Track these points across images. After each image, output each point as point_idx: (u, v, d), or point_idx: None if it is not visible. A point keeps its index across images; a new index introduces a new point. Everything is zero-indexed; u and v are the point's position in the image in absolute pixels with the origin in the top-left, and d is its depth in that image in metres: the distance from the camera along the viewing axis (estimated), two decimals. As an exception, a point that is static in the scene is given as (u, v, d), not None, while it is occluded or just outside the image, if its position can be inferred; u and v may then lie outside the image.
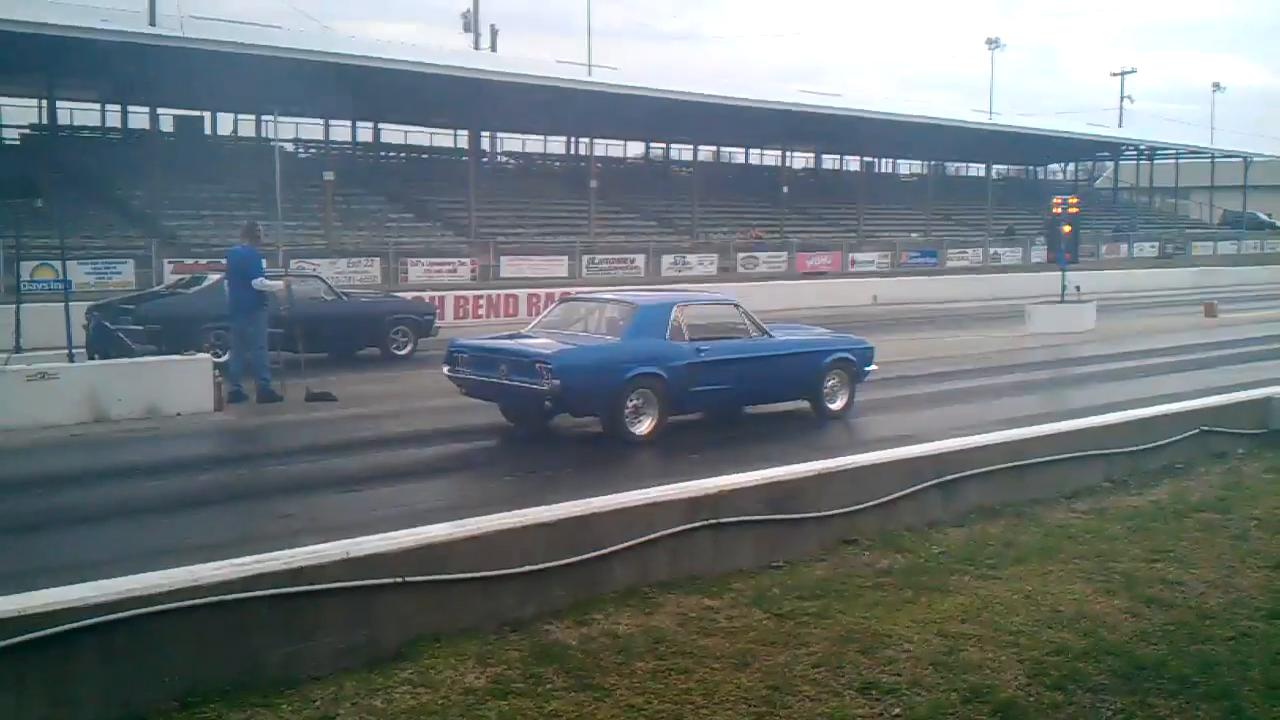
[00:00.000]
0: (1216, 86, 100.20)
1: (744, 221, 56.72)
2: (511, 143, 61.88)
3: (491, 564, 7.14)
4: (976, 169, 77.22)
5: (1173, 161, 78.06)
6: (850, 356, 15.13)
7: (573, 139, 60.49)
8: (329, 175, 41.20)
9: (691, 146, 61.94)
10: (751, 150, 70.25)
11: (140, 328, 17.88)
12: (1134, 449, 11.50)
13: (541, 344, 13.04)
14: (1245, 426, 12.89)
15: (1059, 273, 28.76)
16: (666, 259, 45.61)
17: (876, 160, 74.05)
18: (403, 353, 21.62)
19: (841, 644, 6.91)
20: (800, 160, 71.90)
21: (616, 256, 44.71)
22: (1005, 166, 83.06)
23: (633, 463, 12.32)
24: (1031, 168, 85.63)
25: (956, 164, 79.42)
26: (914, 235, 60.46)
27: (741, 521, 8.42)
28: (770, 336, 14.46)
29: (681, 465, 11.51)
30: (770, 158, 69.37)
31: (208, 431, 14.32)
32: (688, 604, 7.56)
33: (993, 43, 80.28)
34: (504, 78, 42.33)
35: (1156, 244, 69.24)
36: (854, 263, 50.89)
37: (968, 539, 9.14)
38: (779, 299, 35.85)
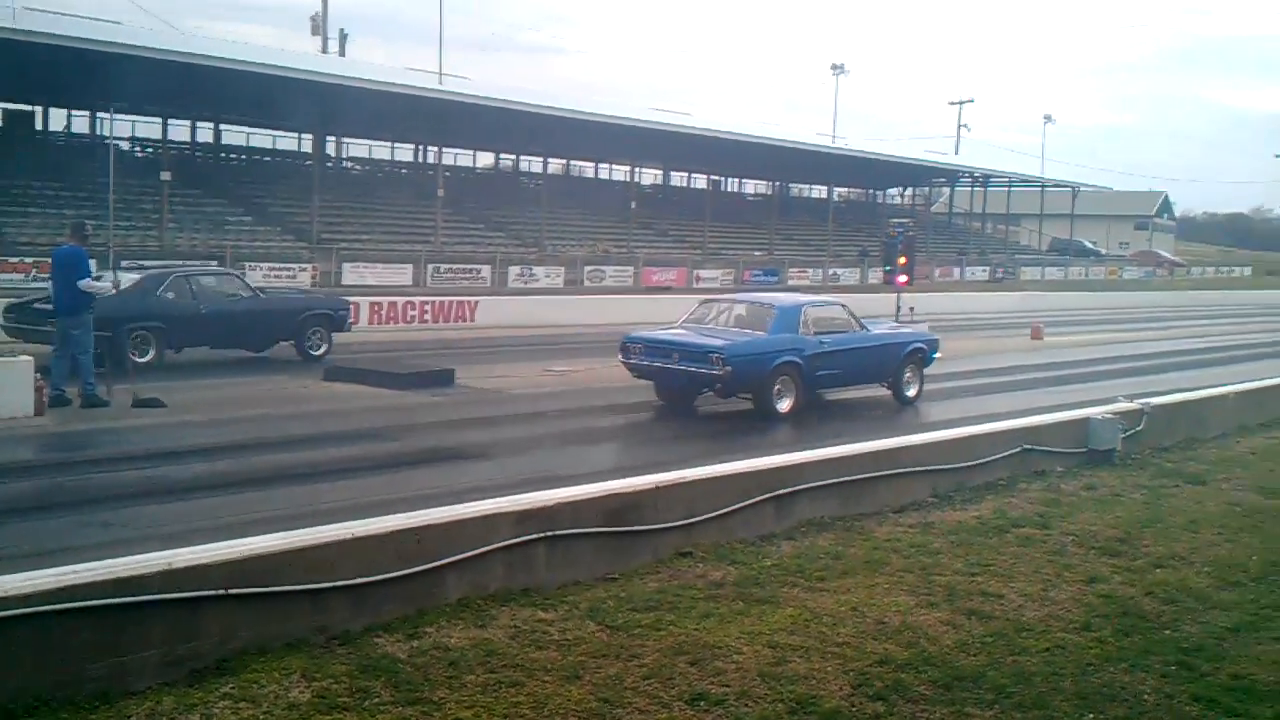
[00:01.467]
0: (1048, 119, 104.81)
1: (592, 235, 56.85)
2: (358, 148, 60.85)
3: (320, 576, 7.00)
4: (819, 190, 78.96)
5: (1005, 189, 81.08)
6: (923, 346, 18.58)
7: (421, 147, 59.81)
8: (166, 175, 39.87)
9: (541, 159, 61.86)
10: (601, 164, 70.56)
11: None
12: (959, 466, 11.88)
13: (707, 337, 16.30)
14: (1065, 446, 13.43)
15: (894, 294, 29.59)
16: (513, 270, 45.43)
17: (723, 179, 75.10)
18: (318, 352, 21.54)
19: (673, 656, 6.97)
20: (649, 176, 72.48)
21: (462, 266, 44.33)
22: (847, 189, 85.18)
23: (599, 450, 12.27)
24: (872, 191, 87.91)
25: (800, 185, 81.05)
26: (757, 254, 61.41)
27: (578, 534, 8.43)
28: (868, 330, 17.87)
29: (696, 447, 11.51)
30: (620, 173, 69.75)
31: (26, 437, 13.70)
32: (522, 616, 7.53)
33: (837, 68, 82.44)
34: (350, 82, 41.56)
35: (988, 268, 71.76)
36: (699, 279, 51.44)
37: (798, 552, 9.32)
38: (624, 314, 36.07)
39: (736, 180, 77.45)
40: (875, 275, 53.57)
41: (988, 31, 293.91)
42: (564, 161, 68.55)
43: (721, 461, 10.66)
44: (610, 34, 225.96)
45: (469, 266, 44.67)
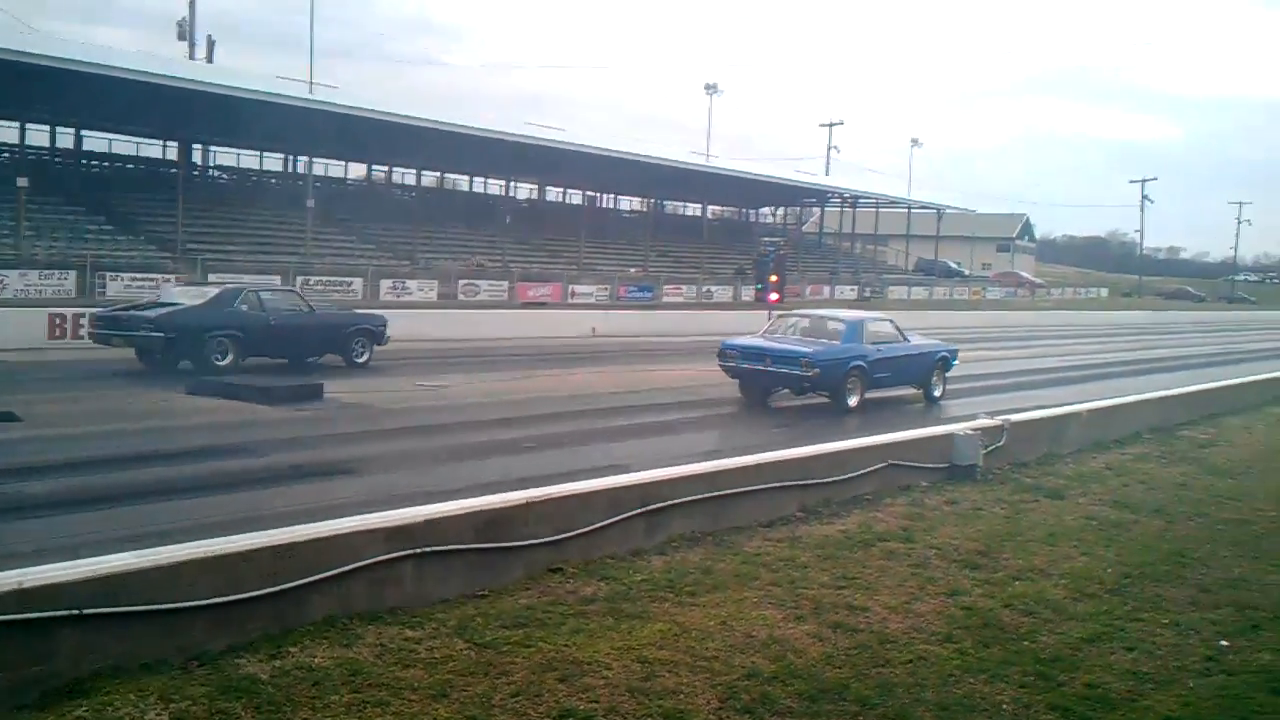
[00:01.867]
0: (915, 142, 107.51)
1: (466, 249, 56.51)
2: (226, 157, 59.52)
3: (178, 595, 6.79)
4: (694, 208, 79.74)
5: (873, 210, 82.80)
6: (948, 355, 22.64)
7: (291, 156, 58.78)
8: (23, 181, 38.53)
9: (415, 171, 61.29)
10: (476, 178, 70.18)
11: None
12: (827, 481, 12.05)
13: (796, 346, 19.99)
14: (929, 461, 13.72)
15: (766, 311, 30.00)
16: (385, 283, 44.89)
17: (599, 195, 75.33)
18: (361, 360, 24.16)
19: (542, 672, 6.93)
20: (524, 190, 72.36)
21: (333, 279, 43.64)
22: (721, 207, 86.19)
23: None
24: (745, 209, 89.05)
25: (675, 202, 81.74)
26: (632, 270, 61.72)
27: (445, 551, 8.32)
28: (909, 341, 21.83)
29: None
30: (495, 186, 69.53)
31: None
32: (388, 635, 7.41)
33: (711, 88, 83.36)
34: (216, 89, 40.65)
35: (856, 287, 73.17)
36: (574, 294, 51.48)
37: (669, 567, 9.34)
38: (499, 328, 35.93)
39: (612, 197, 77.76)
40: (749, 293, 54.26)
41: (859, 56, 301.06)
42: (438, 174, 68.01)
43: (592, 477, 10.64)
44: (485, 47, 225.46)
45: (340, 279, 44.01)
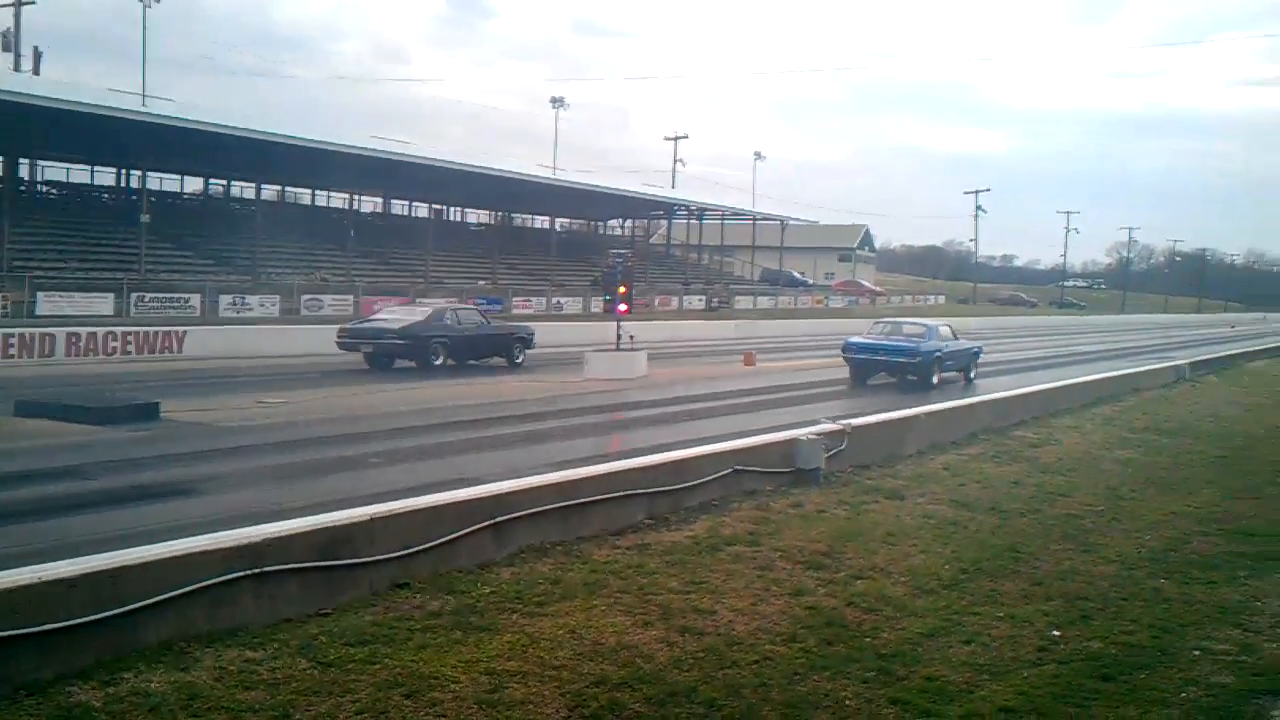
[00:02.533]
0: (758, 155, 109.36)
1: (309, 263, 55.40)
2: (55, 171, 57.18)
3: (3, 624, 6.51)
4: (543, 221, 79.66)
5: (719, 221, 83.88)
6: (979, 351, 31.04)
7: (124, 170, 56.82)
8: None
9: (254, 184, 59.88)
10: (319, 191, 68.85)
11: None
12: (675, 488, 12.16)
13: (902, 343, 27.80)
14: (774, 466, 13.95)
15: (614, 322, 30.13)
16: (225, 299, 43.68)
17: (446, 208, 74.68)
18: (519, 360, 30.69)
19: (388, 689, 6.83)
20: (369, 204, 71.26)
21: (169, 295, 42.31)
22: (570, 220, 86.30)
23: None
24: (594, 222, 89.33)
25: (524, 215, 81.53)
26: (481, 283, 61.35)
27: (286, 570, 8.14)
28: (959, 340, 29.76)
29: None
30: (338, 199, 68.30)
31: None
32: (228, 657, 7.22)
33: (557, 102, 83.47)
34: (43, 101, 39.03)
35: (704, 297, 74.03)
36: (421, 307, 50.81)
37: (518, 578, 9.31)
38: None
39: (460, 210, 77.17)
40: (599, 304, 54.38)
41: (703, 69, 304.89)
42: (279, 187, 66.53)
43: (439, 491, 10.52)
44: (329, 58, 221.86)
45: (177, 295, 42.69)
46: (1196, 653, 8.58)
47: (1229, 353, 43.54)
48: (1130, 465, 17.40)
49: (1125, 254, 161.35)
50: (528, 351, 31.41)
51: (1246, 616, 9.62)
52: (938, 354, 27.52)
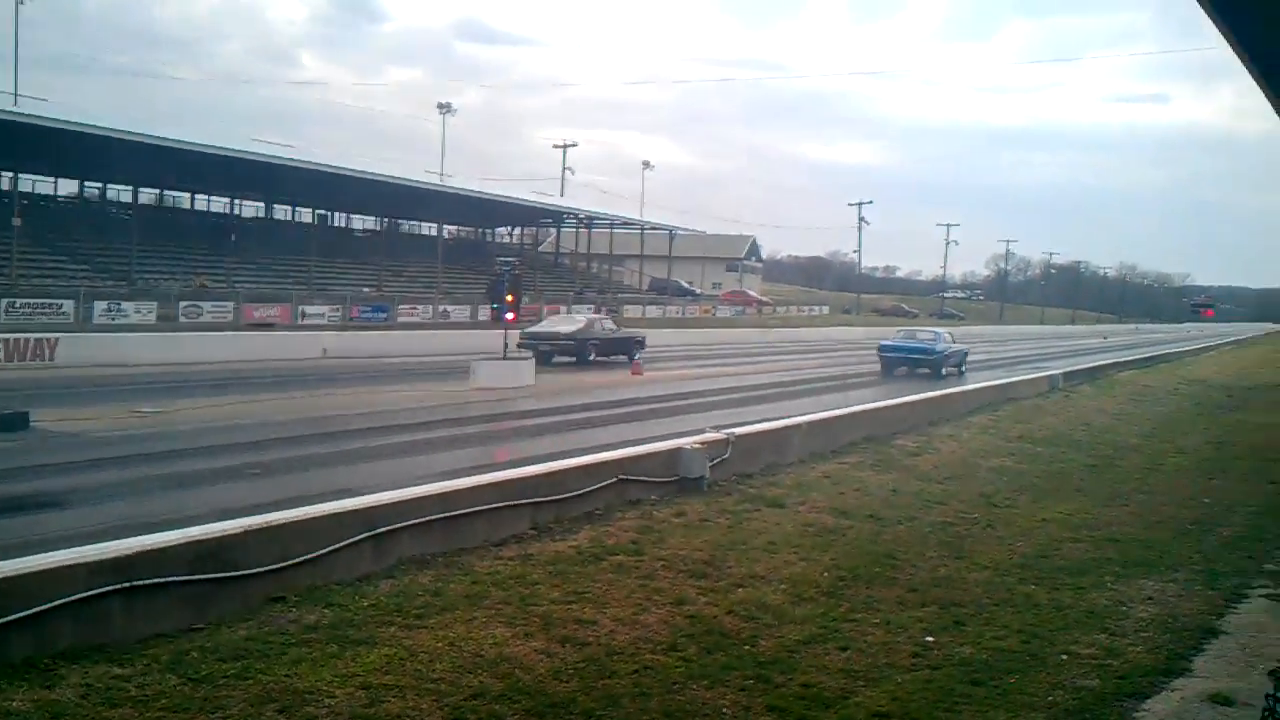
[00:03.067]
0: (646, 164, 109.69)
1: (188, 269, 54.17)
2: (-82, 173, 55.12)
3: None
4: (430, 227, 78.93)
5: (608, 230, 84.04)
6: (967, 350, 40.70)
7: (-7, 171, 54.96)
8: None
9: (131, 188, 58.36)
10: (198, 195, 67.38)
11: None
12: (559, 497, 12.14)
13: (921, 343, 38.90)
14: (659, 475, 14.01)
15: (502, 330, 30.00)
16: (99, 305, 42.42)
17: (331, 213, 73.64)
18: (635, 357, 36.92)
19: (260, 705, 6.71)
20: (250, 209, 69.94)
21: (40, 301, 40.97)
22: (458, 227, 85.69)
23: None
24: (482, 229, 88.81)
25: (411, 221, 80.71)
26: (366, 290, 60.58)
27: (157, 584, 7.94)
28: (955, 344, 39.62)
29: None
30: (219, 204, 66.92)
31: None
32: (95, 674, 7.02)
33: (444, 107, 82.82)
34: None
35: (592, 306, 73.99)
36: (304, 315, 50.03)
37: (397, 590, 9.21)
38: (224, 350, 34.57)
39: (345, 215, 76.14)
40: (487, 312, 54.05)
41: (593, 77, 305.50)
42: (157, 191, 64.94)
43: (317, 502, 10.35)
44: (213, 59, 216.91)
45: (49, 301, 41.37)
46: (1064, 657, 8.84)
47: (1100, 363, 44.86)
48: (1005, 473, 17.84)
49: (1003, 266, 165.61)
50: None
51: (1113, 621, 9.93)
52: (945, 353, 38.23)
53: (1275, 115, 9.90)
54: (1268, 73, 8.49)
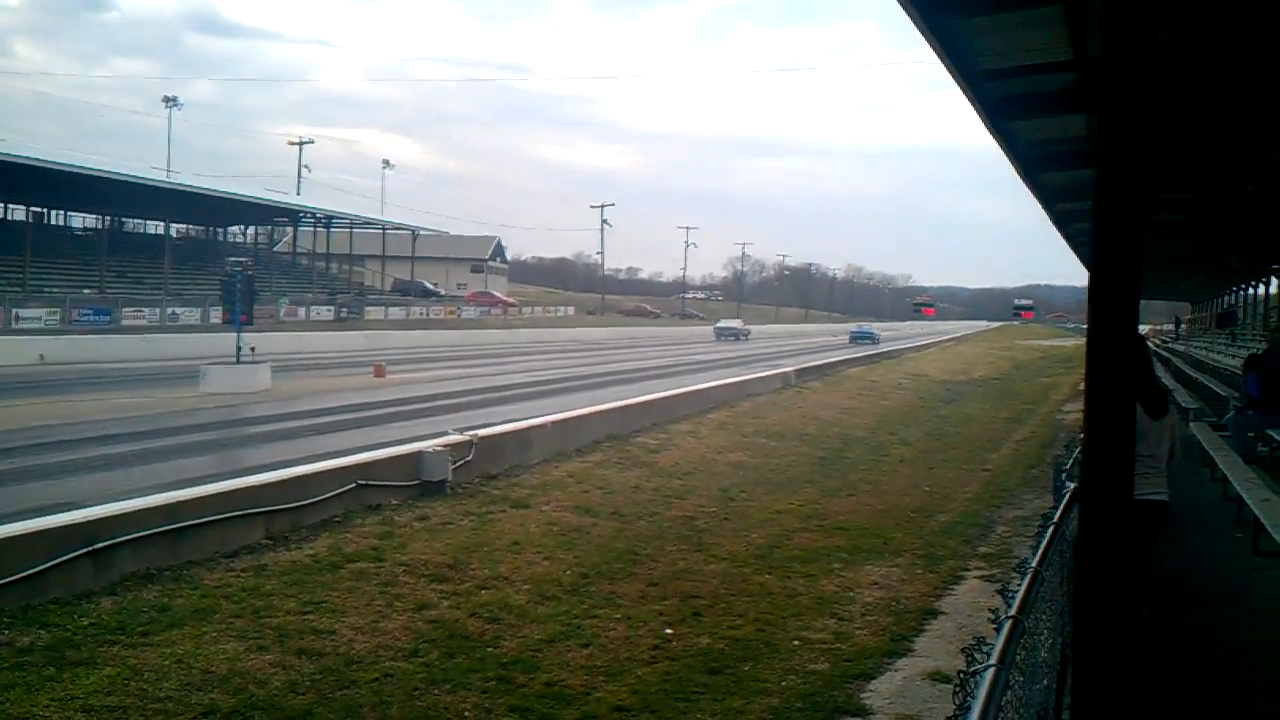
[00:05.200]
0: (387, 163, 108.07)
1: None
2: None
3: None
4: (158, 226, 75.25)
5: (348, 230, 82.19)
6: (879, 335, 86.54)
7: None
8: None
9: None
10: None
11: None
12: (294, 505, 11.78)
13: (866, 332, 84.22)
14: (399, 479, 13.79)
15: (235, 334, 28.91)
16: None
17: (46, 211, 69.24)
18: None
19: (-35, 737, 6.26)
20: (-46, 205, 65.04)
21: None
22: (187, 226, 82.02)
23: None
24: (214, 229, 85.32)
25: (136, 220, 76.74)
26: (87, 292, 57.26)
27: None
28: (880, 332, 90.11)
29: None
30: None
31: None
32: None
33: (171, 101, 79.31)
34: None
35: (333, 307, 72.26)
36: (18, 319, 46.88)
37: (120, 607, 8.76)
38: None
39: (62, 213, 71.72)
40: (219, 315, 51.98)
41: (334, 73, 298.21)
42: None
43: (30, 518, 9.71)
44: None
45: None
46: (796, 643, 9.19)
47: (831, 360, 46.89)
48: (742, 468, 18.42)
49: (740, 268, 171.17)
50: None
51: (841, 606, 10.40)
52: (878, 336, 77.10)
53: (984, 127, 10.56)
54: (973, 83, 9.04)
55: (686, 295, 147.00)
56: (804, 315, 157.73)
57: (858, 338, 78.64)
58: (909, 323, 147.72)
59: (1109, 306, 4.58)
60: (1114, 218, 4.57)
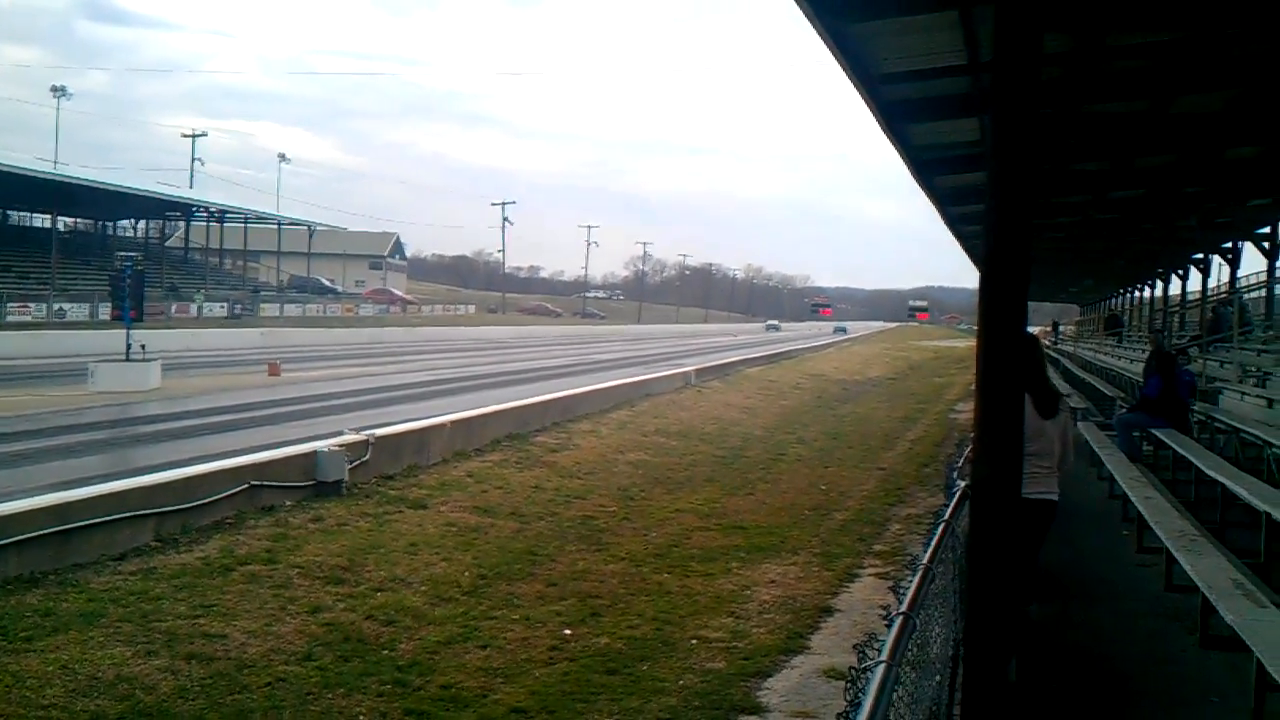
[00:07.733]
0: (283, 157, 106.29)
1: None
2: None
3: None
4: (44, 219, 73.05)
5: (242, 225, 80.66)
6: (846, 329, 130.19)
7: None
8: None
9: None
10: None
11: None
12: (185, 506, 11.52)
13: (839, 325, 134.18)
14: (294, 479, 13.56)
15: (125, 330, 28.16)
16: None
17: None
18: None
19: None
20: None
21: None
22: (75, 219, 79.74)
23: None
24: (103, 222, 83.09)
25: (21, 213, 74.40)
26: (-33, 288, 55.43)
27: None
28: (849, 327, 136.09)
29: None
30: None
31: None
32: None
33: (59, 91, 77.18)
34: None
35: (226, 304, 70.86)
36: (-107, 315, 45.19)
37: (2, 612, 8.47)
38: None
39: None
40: (108, 311, 50.64)
41: (229, 64, 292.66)
42: None
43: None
44: None
45: None
46: (694, 642, 9.23)
47: (730, 360, 47.19)
48: (641, 467, 18.47)
49: (641, 267, 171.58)
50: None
51: (738, 605, 10.48)
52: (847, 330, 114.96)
53: (880, 131, 10.69)
54: (869, 87, 9.16)
55: (588, 294, 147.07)
56: (704, 315, 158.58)
57: (769, 328, 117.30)
58: (807, 323, 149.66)
59: (999, 307, 4.67)
60: (1004, 220, 4.67)
